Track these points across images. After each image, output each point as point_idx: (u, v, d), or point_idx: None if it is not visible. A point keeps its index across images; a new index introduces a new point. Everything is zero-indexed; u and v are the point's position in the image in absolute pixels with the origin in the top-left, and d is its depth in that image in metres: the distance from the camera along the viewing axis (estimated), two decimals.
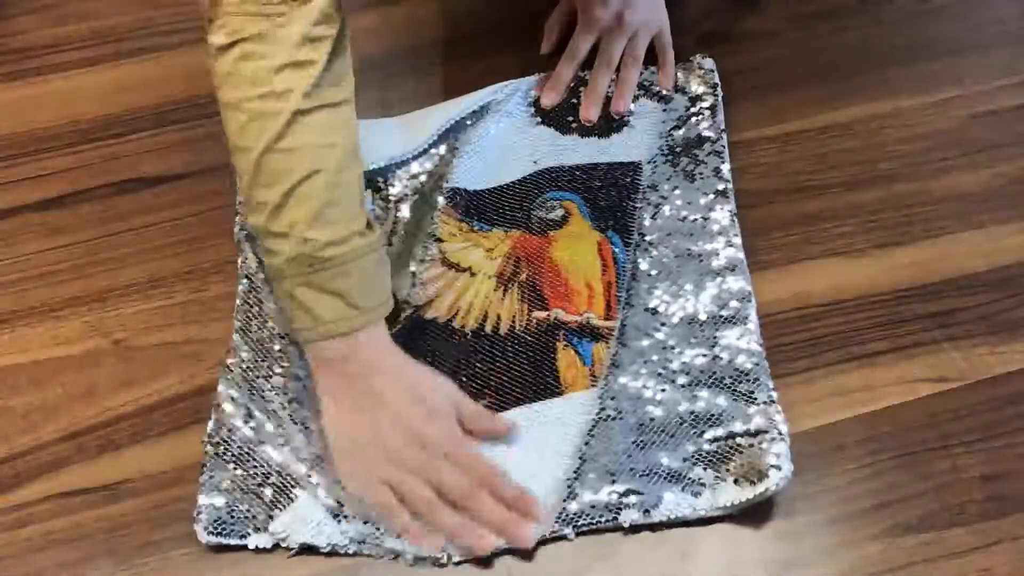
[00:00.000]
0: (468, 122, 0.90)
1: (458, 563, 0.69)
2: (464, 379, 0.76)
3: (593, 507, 0.70)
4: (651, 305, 0.79)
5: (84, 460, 0.75)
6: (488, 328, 0.79)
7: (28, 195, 0.90)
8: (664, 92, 0.91)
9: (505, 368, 0.77)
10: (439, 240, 0.84)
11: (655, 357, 0.76)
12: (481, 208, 0.86)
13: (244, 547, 0.70)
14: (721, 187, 0.84)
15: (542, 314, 0.79)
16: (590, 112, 0.91)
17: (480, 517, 0.69)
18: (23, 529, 0.72)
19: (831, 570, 0.68)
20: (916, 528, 0.69)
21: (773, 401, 0.73)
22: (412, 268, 0.82)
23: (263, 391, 0.76)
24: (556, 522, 0.70)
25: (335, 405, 0.72)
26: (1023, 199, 0.85)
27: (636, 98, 0.91)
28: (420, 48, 0.98)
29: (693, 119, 0.89)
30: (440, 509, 0.69)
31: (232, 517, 0.71)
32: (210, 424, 0.75)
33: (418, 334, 0.79)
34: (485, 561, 0.69)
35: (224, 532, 0.70)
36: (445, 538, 0.69)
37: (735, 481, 0.70)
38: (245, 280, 0.82)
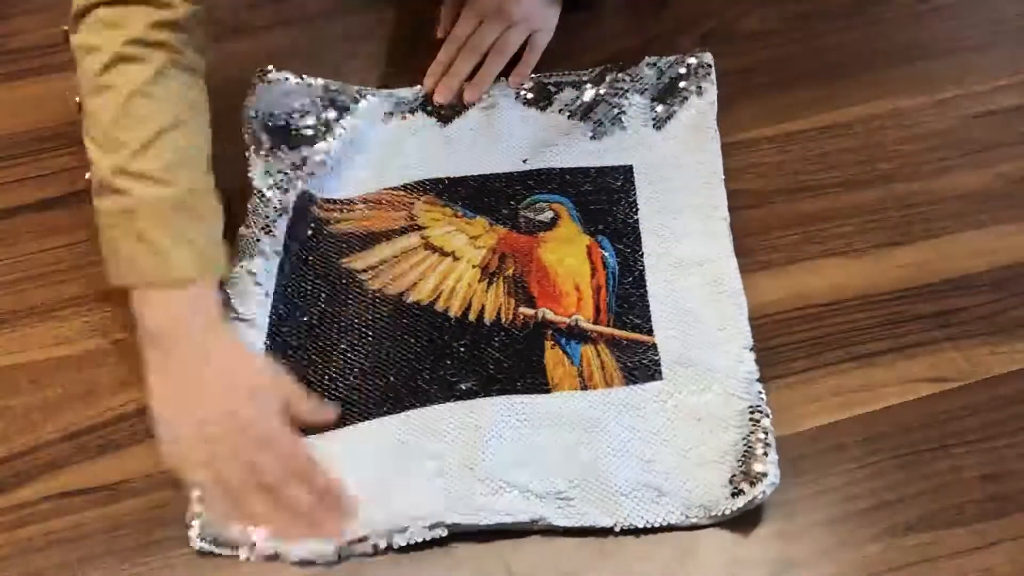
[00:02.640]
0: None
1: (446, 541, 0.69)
2: (448, 363, 0.77)
3: (573, 506, 0.70)
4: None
5: (84, 460, 0.75)
6: (472, 316, 0.79)
7: (28, 195, 0.90)
8: (656, 91, 0.91)
9: (490, 357, 0.77)
10: (421, 228, 0.84)
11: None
12: (465, 194, 0.86)
13: None
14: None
15: (529, 311, 0.79)
16: (441, 95, 0.91)
17: (290, 506, 0.69)
18: (23, 529, 0.72)
19: (831, 570, 0.68)
20: (916, 528, 0.69)
21: (761, 410, 0.73)
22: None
23: None
24: (549, 515, 0.70)
25: (159, 378, 0.72)
26: (1023, 199, 0.85)
27: (629, 94, 0.91)
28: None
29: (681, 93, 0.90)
30: (250, 494, 0.69)
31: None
32: None
33: (400, 316, 0.79)
34: (485, 560, 0.69)
35: (216, 542, 0.70)
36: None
37: (732, 493, 0.70)
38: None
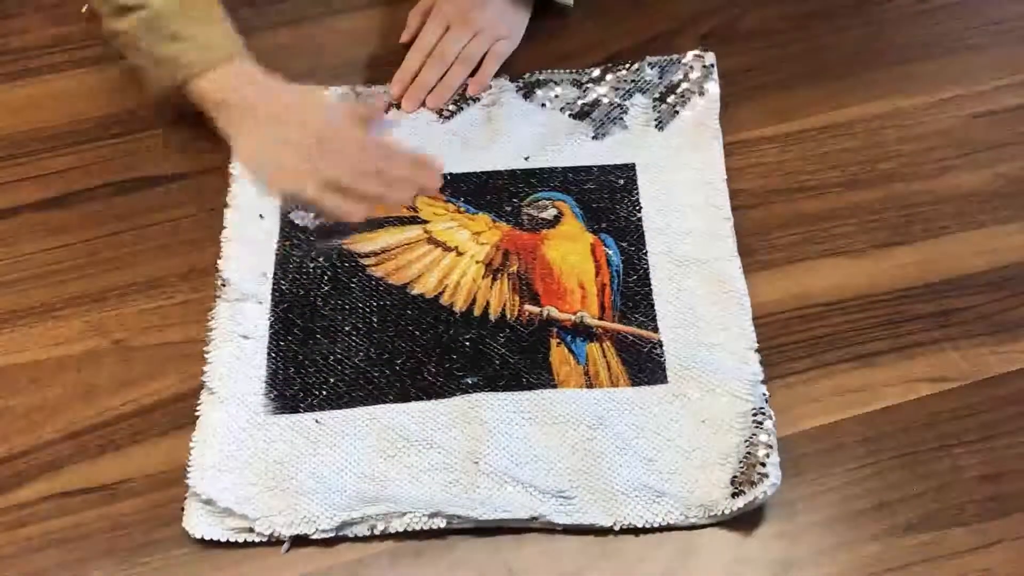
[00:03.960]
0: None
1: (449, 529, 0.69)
2: (454, 357, 0.77)
3: (574, 504, 0.70)
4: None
5: (84, 460, 0.75)
6: (477, 312, 0.79)
7: (28, 195, 0.89)
8: (658, 92, 0.91)
9: (495, 353, 0.77)
10: (423, 221, 0.85)
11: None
12: (467, 190, 0.86)
13: (244, 546, 0.71)
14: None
15: (534, 308, 0.80)
16: (409, 104, 0.92)
17: (396, 179, 0.82)
18: (23, 529, 0.72)
19: (831, 570, 0.68)
20: (916, 528, 0.69)
21: (764, 412, 0.73)
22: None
23: None
24: (551, 515, 0.70)
25: (243, 138, 0.82)
26: (1023, 199, 0.85)
27: (630, 94, 0.91)
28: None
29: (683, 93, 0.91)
30: (362, 178, 0.81)
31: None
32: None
33: (405, 307, 0.80)
34: (485, 560, 0.69)
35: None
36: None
37: (733, 494, 0.70)
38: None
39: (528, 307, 0.80)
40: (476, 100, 0.92)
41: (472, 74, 0.93)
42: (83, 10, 0.87)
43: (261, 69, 0.84)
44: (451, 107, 0.92)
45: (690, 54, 0.93)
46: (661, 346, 0.77)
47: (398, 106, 0.92)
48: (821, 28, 0.97)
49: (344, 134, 0.84)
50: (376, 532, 0.70)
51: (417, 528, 0.70)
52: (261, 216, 0.85)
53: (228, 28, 0.84)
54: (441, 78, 0.93)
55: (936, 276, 0.81)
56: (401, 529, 0.70)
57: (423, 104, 0.92)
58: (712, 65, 0.92)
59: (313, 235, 0.84)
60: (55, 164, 0.91)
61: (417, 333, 0.79)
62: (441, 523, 0.70)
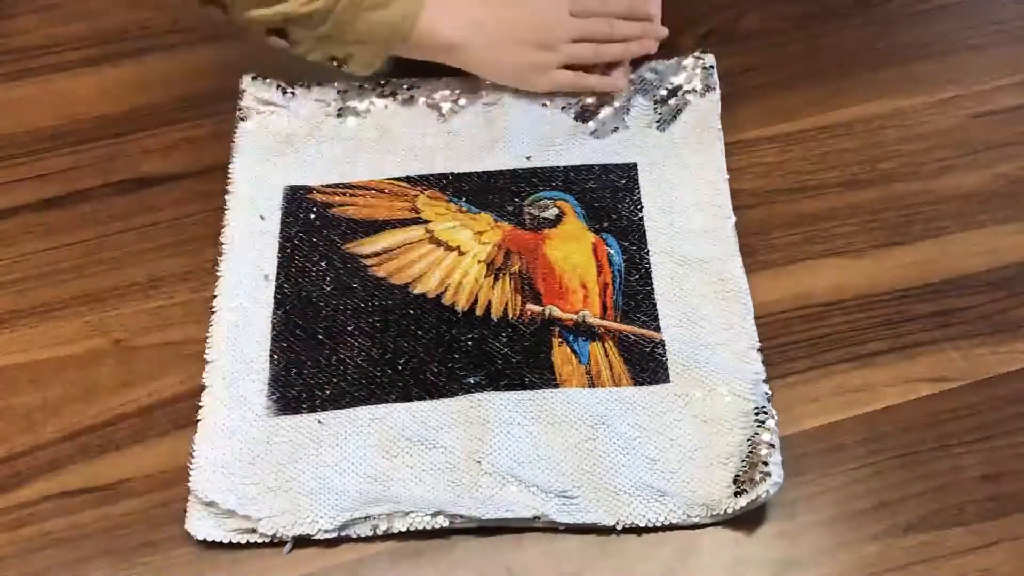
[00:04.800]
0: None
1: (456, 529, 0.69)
2: (456, 356, 0.77)
3: (576, 504, 0.70)
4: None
5: (84, 460, 0.75)
6: (479, 311, 0.79)
7: (28, 195, 0.89)
8: (659, 93, 0.91)
9: (498, 353, 0.77)
10: (425, 221, 0.85)
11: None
12: (469, 190, 0.86)
13: (244, 546, 0.71)
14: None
15: (536, 308, 0.80)
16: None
17: (624, 36, 0.89)
18: (23, 529, 0.72)
19: (831, 570, 0.68)
20: (916, 528, 0.69)
21: (766, 411, 0.73)
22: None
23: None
24: (554, 515, 0.70)
25: (468, 40, 0.87)
26: (1023, 199, 0.85)
27: (631, 95, 0.91)
28: None
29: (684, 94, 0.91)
30: (604, 47, 0.89)
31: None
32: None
33: (407, 307, 0.80)
34: (485, 560, 0.69)
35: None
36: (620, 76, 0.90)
37: (735, 493, 0.70)
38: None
39: (530, 306, 0.80)
40: (477, 100, 0.92)
41: None
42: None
43: None
44: (451, 108, 0.92)
45: (690, 55, 0.93)
46: (663, 345, 0.77)
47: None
48: (821, 28, 0.97)
49: (552, 12, 0.88)
50: (379, 532, 0.70)
51: (420, 528, 0.70)
52: (262, 217, 0.85)
53: None
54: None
55: (936, 276, 0.81)
56: (404, 529, 0.70)
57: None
58: (712, 67, 0.92)
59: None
60: (55, 164, 0.91)
61: (419, 333, 0.79)
62: (444, 522, 0.70)
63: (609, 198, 0.85)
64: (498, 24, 0.88)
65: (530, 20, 0.88)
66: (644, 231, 0.83)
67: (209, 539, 0.71)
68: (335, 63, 0.87)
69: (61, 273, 0.85)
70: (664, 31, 0.91)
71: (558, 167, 0.88)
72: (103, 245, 0.86)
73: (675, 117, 0.90)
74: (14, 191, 0.90)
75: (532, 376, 0.76)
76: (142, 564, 0.71)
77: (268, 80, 0.92)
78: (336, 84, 0.93)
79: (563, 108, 0.91)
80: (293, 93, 0.92)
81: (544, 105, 0.91)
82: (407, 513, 0.70)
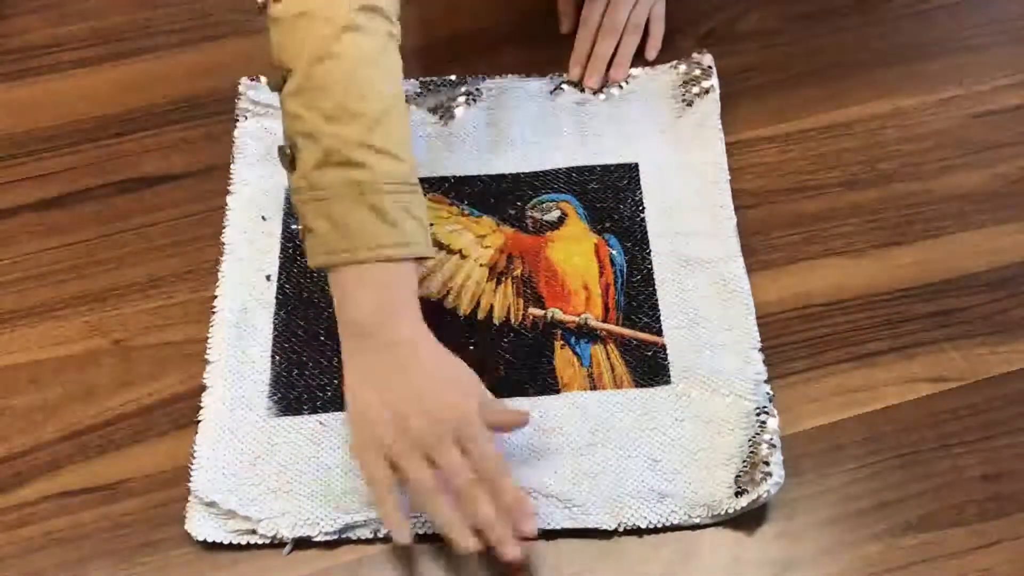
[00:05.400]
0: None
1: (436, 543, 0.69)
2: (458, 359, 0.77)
3: (579, 507, 0.70)
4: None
5: (84, 460, 0.75)
6: (481, 316, 0.79)
7: (28, 195, 0.89)
8: (659, 95, 0.91)
9: (500, 357, 0.77)
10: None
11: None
12: (471, 193, 0.86)
13: (244, 547, 0.71)
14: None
15: (539, 311, 0.79)
16: (593, 79, 0.93)
17: (471, 515, 0.66)
18: (23, 529, 0.72)
19: (831, 570, 0.68)
20: (916, 528, 0.69)
21: (767, 411, 0.73)
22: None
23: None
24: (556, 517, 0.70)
25: (356, 369, 0.71)
26: (1023, 199, 0.85)
27: (628, 96, 0.92)
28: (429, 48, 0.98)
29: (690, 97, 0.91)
30: (434, 498, 0.67)
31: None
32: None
33: None
34: (485, 559, 0.69)
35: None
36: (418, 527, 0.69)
37: (736, 493, 0.70)
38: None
39: (532, 311, 0.80)
40: (477, 96, 0.92)
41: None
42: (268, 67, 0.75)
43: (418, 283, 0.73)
44: (451, 108, 0.92)
45: (689, 57, 0.93)
46: (665, 348, 0.77)
47: (575, 84, 0.93)
48: (821, 28, 0.97)
49: (462, 424, 0.68)
50: (380, 535, 0.70)
51: (420, 532, 0.70)
52: (264, 218, 0.85)
53: (426, 225, 0.73)
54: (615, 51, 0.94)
55: (936, 276, 0.81)
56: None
57: (606, 78, 0.93)
58: (712, 67, 0.92)
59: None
60: (55, 164, 0.91)
61: None
62: None
63: (611, 198, 0.85)
64: (407, 375, 0.70)
65: (427, 409, 0.68)
66: (646, 231, 0.83)
67: (209, 540, 0.70)
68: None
69: (61, 273, 0.85)
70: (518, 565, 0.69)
71: (559, 168, 0.88)
72: (103, 245, 0.86)
73: (676, 117, 0.90)
74: (14, 191, 0.90)
75: (534, 382, 0.76)
76: (142, 564, 0.71)
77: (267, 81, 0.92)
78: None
79: (564, 109, 0.91)
80: None
81: (545, 107, 0.91)
82: (411, 516, 0.70)
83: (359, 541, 0.71)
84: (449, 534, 0.66)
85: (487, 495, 0.67)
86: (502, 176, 0.87)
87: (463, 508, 0.66)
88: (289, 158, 0.72)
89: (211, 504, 0.71)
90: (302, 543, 0.71)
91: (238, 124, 0.91)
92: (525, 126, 0.90)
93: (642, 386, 0.75)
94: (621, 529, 0.70)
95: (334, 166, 0.70)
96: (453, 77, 0.93)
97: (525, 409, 0.72)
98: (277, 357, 0.78)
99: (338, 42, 0.71)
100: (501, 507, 0.67)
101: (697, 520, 0.70)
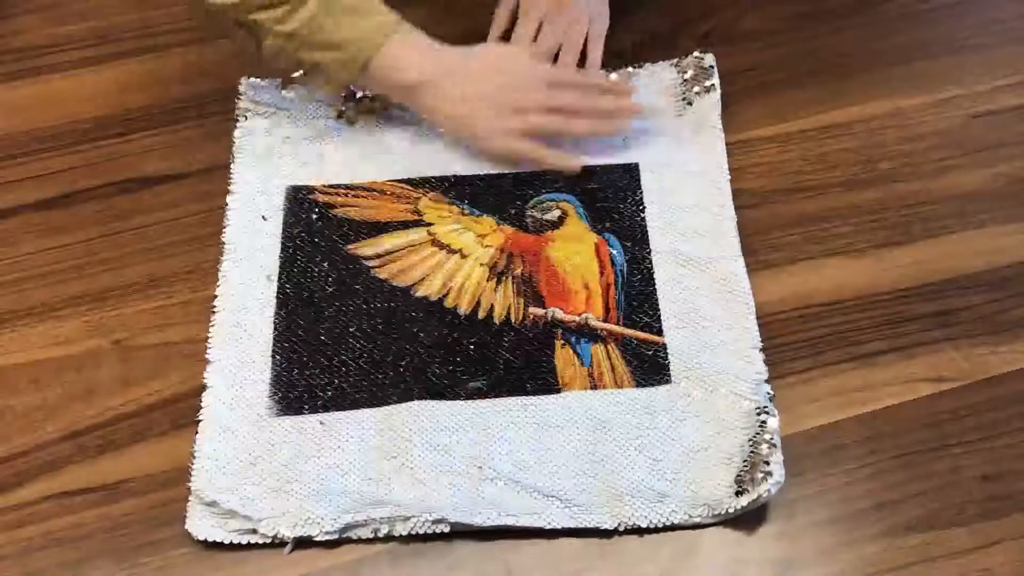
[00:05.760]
0: None
1: (456, 532, 0.69)
2: (458, 360, 0.77)
3: (579, 507, 0.70)
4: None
5: (84, 460, 0.75)
6: (481, 315, 0.79)
7: (28, 195, 0.89)
8: (659, 94, 0.91)
9: (500, 357, 0.77)
10: (427, 224, 0.85)
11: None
12: (471, 193, 0.86)
13: (244, 546, 0.71)
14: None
15: (539, 311, 0.79)
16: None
17: (599, 111, 0.86)
18: (23, 529, 0.72)
19: (831, 570, 0.68)
20: (916, 528, 0.69)
21: (768, 411, 0.73)
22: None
23: None
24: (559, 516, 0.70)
25: (431, 98, 0.84)
26: (1023, 199, 0.85)
27: (631, 95, 0.91)
28: None
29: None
30: (572, 121, 0.85)
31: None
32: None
33: (409, 309, 0.80)
34: (485, 560, 0.69)
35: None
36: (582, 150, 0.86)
37: (737, 492, 0.70)
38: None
39: (533, 310, 0.80)
40: None
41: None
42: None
43: (423, 34, 0.85)
44: None
45: (690, 55, 0.93)
46: (665, 348, 0.77)
47: None
48: (821, 28, 0.97)
49: (546, 74, 0.87)
50: (380, 535, 0.70)
51: (421, 532, 0.70)
52: (264, 217, 0.85)
53: (381, 5, 0.84)
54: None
55: (936, 276, 0.81)
56: (404, 533, 0.70)
57: None
58: (712, 67, 0.92)
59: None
60: (55, 164, 0.91)
61: (421, 335, 0.78)
62: (445, 528, 0.70)
63: (611, 198, 0.85)
64: (472, 77, 0.85)
65: (507, 81, 0.85)
66: (646, 231, 0.83)
67: (209, 539, 0.70)
68: (302, 73, 0.86)
69: (61, 273, 0.85)
70: (639, 107, 0.88)
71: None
72: (103, 245, 0.86)
73: (676, 117, 0.90)
74: (14, 191, 0.90)
75: (534, 379, 0.76)
76: (142, 564, 0.71)
77: (266, 81, 0.92)
78: None
79: None
80: (292, 94, 0.92)
81: None
82: (408, 518, 0.70)
83: (359, 541, 0.71)
84: (602, 128, 0.87)
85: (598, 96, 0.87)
86: (502, 175, 0.87)
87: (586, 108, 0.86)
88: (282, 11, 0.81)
89: (211, 504, 0.71)
90: (302, 543, 0.71)
91: (238, 124, 0.91)
92: None
93: (642, 386, 0.75)
94: (621, 529, 0.70)
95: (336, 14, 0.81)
96: None
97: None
98: (277, 357, 0.78)
99: None
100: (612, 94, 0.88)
101: (698, 520, 0.70)
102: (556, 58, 0.93)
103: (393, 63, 0.83)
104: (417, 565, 0.70)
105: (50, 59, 0.99)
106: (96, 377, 0.79)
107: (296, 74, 0.90)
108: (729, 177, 0.86)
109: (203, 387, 0.77)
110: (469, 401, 0.75)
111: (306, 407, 0.76)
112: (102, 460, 0.75)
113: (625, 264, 0.82)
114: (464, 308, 0.80)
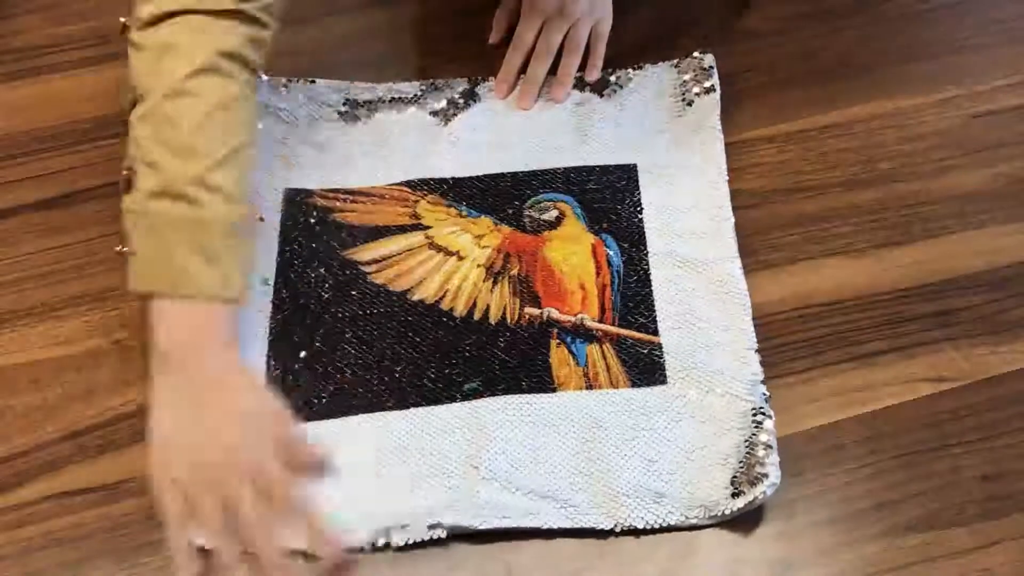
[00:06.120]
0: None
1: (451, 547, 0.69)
2: (454, 362, 0.77)
3: (575, 507, 0.70)
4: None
5: (84, 460, 0.75)
6: (477, 316, 0.79)
7: (28, 195, 0.89)
8: (659, 94, 0.91)
9: (495, 358, 0.77)
10: (425, 227, 0.84)
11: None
12: (469, 194, 0.86)
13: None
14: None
15: (535, 311, 0.79)
16: (526, 101, 0.92)
17: (258, 553, 0.64)
18: (23, 529, 0.72)
19: (831, 570, 0.68)
20: (916, 528, 0.69)
21: (764, 412, 0.73)
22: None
23: None
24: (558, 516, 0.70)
25: (161, 402, 0.69)
26: (1023, 199, 0.85)
27: (628, 95, 0.92)
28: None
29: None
30: (222, 539, 0.64)
31: None
32: None
33: (405, 313, 0.80)
34: (485, 560, 0.69)
35: None
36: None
37: (733, 494, 0.70)
38: None
39: (528, 310, 0.80)
40: (476, 97, 0.92)
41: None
42: (126, 91, 0.77)
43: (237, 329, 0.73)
44: (451, 109, 0.92)
45: (690, 56, 0.93)
46: (661, 348, 0.77)
47: (575, 84, 0.92)
48: (821, 28, 0.97)
49: (256, 457, 0.66)
50: (378, 545, 0.70)
51: (418, 540, 0.70)
52: (261, 219, 0.85)
53: (251, 270, 0.76)
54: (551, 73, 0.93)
55: (936, 276, 0.81)
56: (401, 543, 0.70)
57: (553, 96, 0.92)
58: (712, 67, 0.92)
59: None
60: (55, 164, 0.91)
61: (417, 339, 0.78)
62: (442, 534, 0.70)
63: (609, 199, 0.85)
64: (199, 423, 0.68)
65: (227, 459, 0.67)
66: (644, 232, 0.83)
67: (208, 546, 0.70)
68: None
69: (61, 273, 0.85)
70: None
71: (558, 168, 0.88)
72: (103, 245, 0.86)
73: (676, 117, 0.90)
74: (14, 191, 0.90)
75: (529, 380, 0.76)
76: (142, 564, 0.71)
77: (265, 82, 0.92)
78: (333, 87, 0.93)
79: (562, 109, 0.91)
80: (290, 96, 0.92)
81: (544, 107, 0.91)
82: (404, 526, 0.70)
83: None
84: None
85: (272, 540, 0.64)
86: (500, 176, 0.87)
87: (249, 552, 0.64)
88: (126, 179, 0.73)
89: None
90: None
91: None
92: (524, 126, 0.90)
93: (638, 386, 0.75)
94: (618, 529, 0.70)
95: (170, 198, 0.71)
96: (453, 78, 0.93)
97: (324, 453, 0.68)
98: (272, 362, 0.78)
99: (196, 81, 0.73)
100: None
101: (694, 521, 0.70)
102: (558, 58, 0.93)
103: (160, 316, 0.71)
104: (417, 565, 0.70)
105: (50, 59, 0.99)
106: (96, 377, 0.79)
107: None
108: (728, 178, 0.86)
109: None
110: (465, 402, 0.75)
111: (299, 414, 0.75)
112: (102, 460, 0.75)
113: (622, 265, 0.82)
114: (460, 310, 0.80)
